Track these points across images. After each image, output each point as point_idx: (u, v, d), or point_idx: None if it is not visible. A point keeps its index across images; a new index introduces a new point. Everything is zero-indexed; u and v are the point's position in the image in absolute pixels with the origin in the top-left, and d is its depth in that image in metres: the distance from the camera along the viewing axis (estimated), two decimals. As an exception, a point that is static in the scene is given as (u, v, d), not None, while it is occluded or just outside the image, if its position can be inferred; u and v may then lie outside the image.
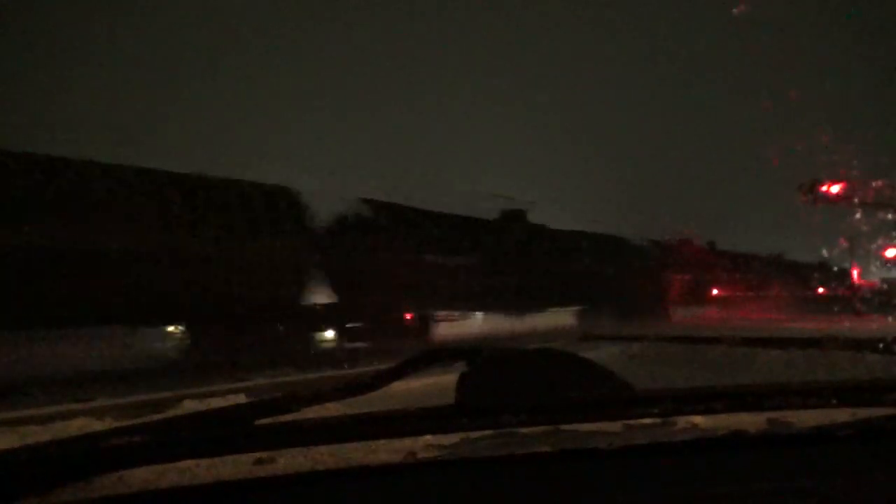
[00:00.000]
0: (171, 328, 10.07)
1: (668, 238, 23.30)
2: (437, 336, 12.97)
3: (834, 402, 1.12)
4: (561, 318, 15.93)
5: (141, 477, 1.01)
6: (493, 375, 1.25)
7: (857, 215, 23.37)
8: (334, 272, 11.00)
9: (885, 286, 29.77)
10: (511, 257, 14.74)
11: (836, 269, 29.06)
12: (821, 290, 28.64)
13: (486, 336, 12.73)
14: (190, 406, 5.07)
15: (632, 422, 1.22)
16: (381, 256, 11.74)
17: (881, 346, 2.09)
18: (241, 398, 5.12)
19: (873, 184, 21.80)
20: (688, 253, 23.18)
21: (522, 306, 14.78)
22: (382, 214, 12.42)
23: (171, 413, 3.95)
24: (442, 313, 13.39)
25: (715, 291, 24.78)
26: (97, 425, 4.19)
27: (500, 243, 14.62)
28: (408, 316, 12.71)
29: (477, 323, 13.95)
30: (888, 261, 28.23)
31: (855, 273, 27.33)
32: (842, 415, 1.16)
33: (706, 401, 1.13)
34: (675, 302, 21.18)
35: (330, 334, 11.39)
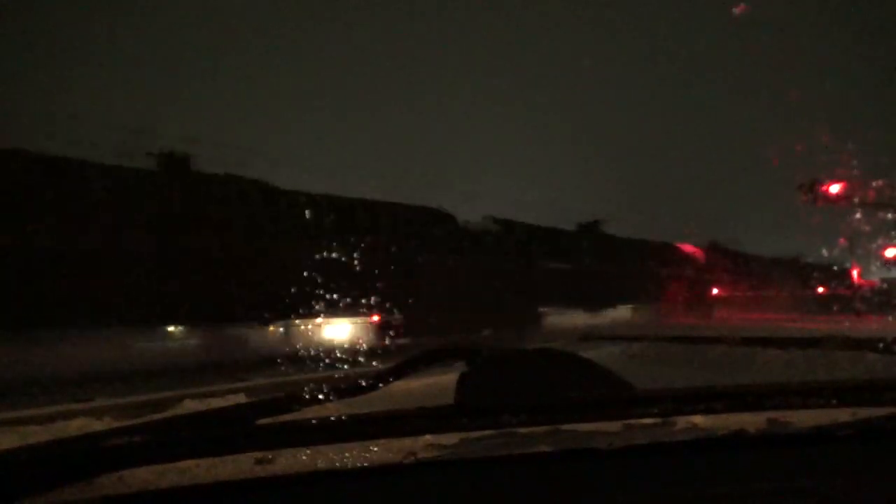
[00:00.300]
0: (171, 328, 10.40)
1: (702, 244, 26.47)
2: (546, 327, 15.88)
3: (834, 402, 1.12)
4: (625, 313, 19.54)
5: (141, 477, 1.01)
6: (492, 375, 1.25)
7: (858, 215, 23.36)
8: (469, 277, 13.93)
9: (885, 286, 29.75)
10: (589, 262, 18.33)
11: (836, 268, 29.10)
12: (820, 289, 28.75)
13: (580, 327, 15.60)
14: (190, 406, 5.07)
15: (632, 422, 1.22)
16: (503, 264, 15.09)
17: (881, 345, 2.09)
18: (241, 398, 5.12)
19: (873, 184, 21.78)
20: (718, 257, 25.18)
21: (600, 303, 18.21)
22: (504, 229, 15.86)
23: (171, 413, 3.96)
24: (548, 309, 16.51)
25: (715, 291, 25.39)
26: (97, 425, 4.20)
27: (580, 251, 18.30)
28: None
29: (569, 317, 16.82)
30: (888, 261, 28.18)
31: (855, 273, 27.31)
32: (842, 415, 1.16)
33: (706, 401, 1.12)
34: (696, 301, 23.34)
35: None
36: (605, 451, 1.06)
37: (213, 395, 6.03)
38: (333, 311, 11.18)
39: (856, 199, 22.55)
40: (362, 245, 11.69)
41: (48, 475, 0.95)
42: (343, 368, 8.79)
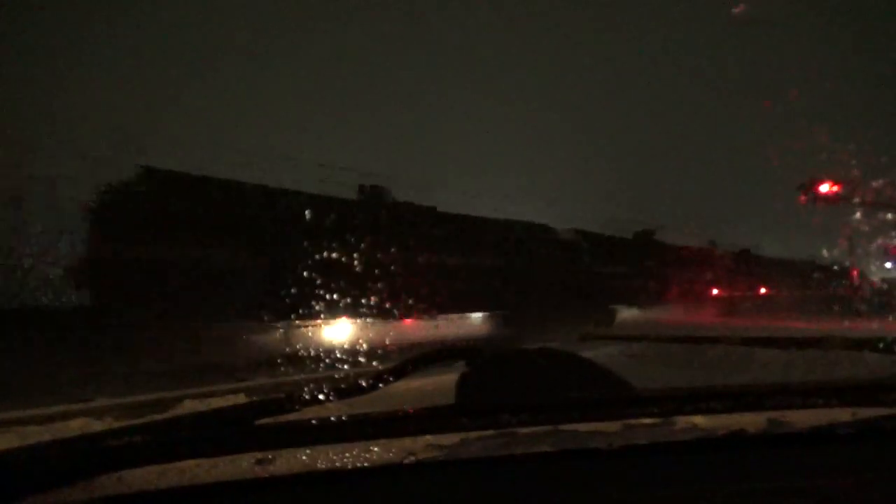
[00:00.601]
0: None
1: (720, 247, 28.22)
2: (616, 321, 18.45)
3: (834, 402, 1.12)
4: (668, 310, 21.65)
5: (141, 477, 1.01)
6: (492, 375, 1.25)
7: (857, 215, 23.34)
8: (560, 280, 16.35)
9: (885, 286, 29.68)
10: (644, 267, 21.05)
11: (836, 268, 29.11)
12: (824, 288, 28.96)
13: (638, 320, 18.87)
14: (190, 406, 5.08)
15: (632, 422, 1.22)
16: (584, 268, 18.00)
17: (881, 345, 2.08)
18: (242, 398, 5.12)
19: (873, 183, 21.75)
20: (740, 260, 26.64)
21: (653, 301, 20.91)
22: (583, 239, 18.72)
23: (171, 413, 3.96)
24: (615, 307, 18.97)
25: (715, 292, 25.88)
26: (97, 425, 4.20)
27: (636, 256, 21.06)
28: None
29: (629, 313, 19.37)
30: (888, 260, 28.14)
31: (855, 273, 27.29)
32: (842, 414, 1.16)
33: (706, 401, 1.12)
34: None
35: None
36: (605, 451, 1.06)
37: (213, 395, 6.03)
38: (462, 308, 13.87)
39: (855, 200, 22.54)
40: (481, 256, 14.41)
41: (48, 475, 0.95)
42: (343, 368, 8.80)
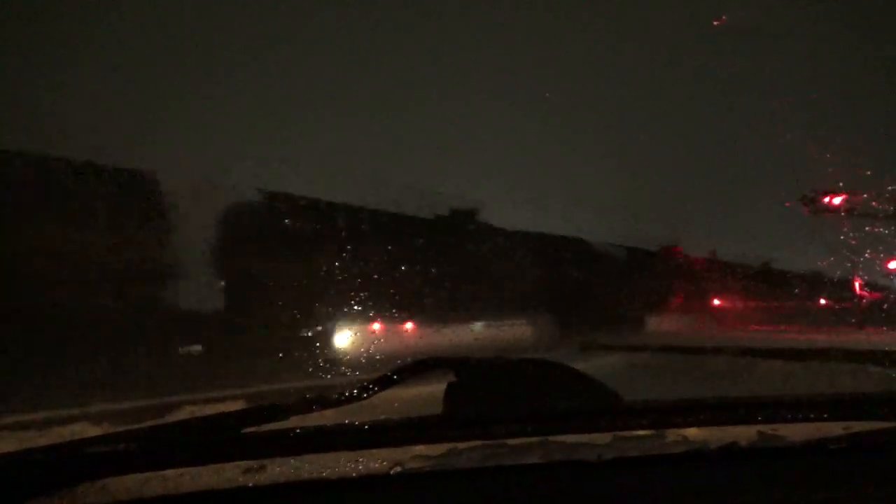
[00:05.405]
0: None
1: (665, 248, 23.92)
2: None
3: (825, 415, 1.11)
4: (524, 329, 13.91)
5: (124, 486, 1.00)
6: (481, 385, 1.24)
7: (860, 226, 23.19)
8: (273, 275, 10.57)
9: (891, 296, 29.49)
10: (461, 260, 13.33)
11: (837, 279, 28.89)
12: (822, 301, 28.58)
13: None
14: (188, 411, 5.06)
15: (622, 433, 1.21)
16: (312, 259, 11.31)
17: (881, 357, 2.07)
18: (241, 404, 5.11)
19: (876, 194, 21.65)
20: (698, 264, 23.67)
21: (476, 314, 13.34)
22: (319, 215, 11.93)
23: (167, 419, 3.95)
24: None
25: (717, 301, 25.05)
26: (93, 431, 4.18)
27: (450, 245, 12.90)
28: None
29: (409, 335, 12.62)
30: (890, 272, 28.03)
31: (857, 284, 27.17)
32: (834, 428, 1.15)
33: (697, 412, 1.11)
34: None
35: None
36: (594, 462, 1.04)
37: (210, 401, 6.01)
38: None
39: (856, 211, 22.44)
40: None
41: (27, 483, 0.94)
42: (329, 377, 8.74)
